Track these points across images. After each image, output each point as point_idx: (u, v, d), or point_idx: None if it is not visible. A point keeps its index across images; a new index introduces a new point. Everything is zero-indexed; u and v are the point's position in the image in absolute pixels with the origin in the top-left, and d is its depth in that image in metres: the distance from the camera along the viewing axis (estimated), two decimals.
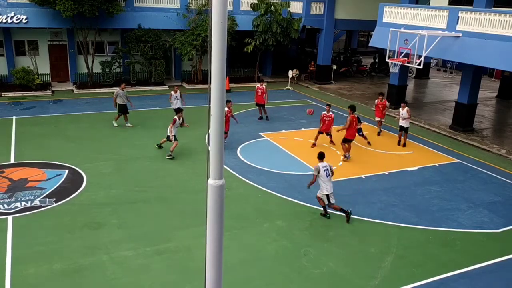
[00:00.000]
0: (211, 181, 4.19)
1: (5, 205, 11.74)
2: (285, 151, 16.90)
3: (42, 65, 25.95)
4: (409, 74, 30.83)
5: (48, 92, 24.59)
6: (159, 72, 26.89)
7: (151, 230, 10.94)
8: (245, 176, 14.40)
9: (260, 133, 18.84)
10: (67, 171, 14.13)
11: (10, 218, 11.16)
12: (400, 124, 18.06)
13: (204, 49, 26.06)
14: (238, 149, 16.77)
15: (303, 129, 19.90)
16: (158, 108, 22.45)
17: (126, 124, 19.09)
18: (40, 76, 25.17)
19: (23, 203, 11.90)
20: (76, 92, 25.15)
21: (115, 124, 19.00)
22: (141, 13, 26.12)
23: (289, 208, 12.42)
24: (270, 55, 31.48)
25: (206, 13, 25.57)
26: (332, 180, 11.72)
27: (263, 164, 15.36)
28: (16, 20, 23.41)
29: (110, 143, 17.00)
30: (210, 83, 3.96)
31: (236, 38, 27.11)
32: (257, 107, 21.31)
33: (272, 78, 31.60)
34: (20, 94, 23.80)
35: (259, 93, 20.67)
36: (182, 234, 10.80)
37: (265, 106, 20.97)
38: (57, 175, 13.78)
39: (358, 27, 35.38)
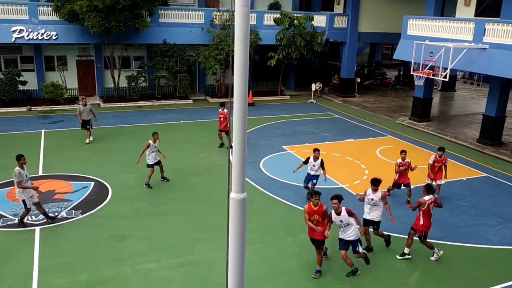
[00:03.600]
0: (233, 195, 4.20)
1: (33, 217, 12.00)
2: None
3: (70, 79, 26.65)
4: (435, 87, 30.38)
5: (76, 106, 25.15)
6: (184, 86, 27.25)
7: (174, 243, 10.99)
8: (268, 189, 14.36)
9: (283, 146, 18.81)
10: (93, 183, 14.38)
11: (37, 229, 11.39)
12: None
13: (227, 63, 26.33)
14: (261, 162, 16.77)
15: (326, 142, 19.78)
16: (182, 121, 22.71)
17: (87, 141, 18.43)
18: (68, 90, 25.83)
19: (50, 214, 12.14)
20: (103, 106, 25.69)
21: (87, 141, 18.42)
22: (166, 28, 26.62)
23: None
24: (293, 68, 31.55)
25: (230, 28, 25.87)
26: (359, 193, 11.54)
27: (286, 178, 15.29)
28: (47, 36, 24.19)
29: (134, 156, 17.17)
30: (231, 96, 3.99)
31: (259, 52, 27.31)
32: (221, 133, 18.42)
33: (295, 91, 31.63)
34: (49, 108, 24.45)
35: (221, 119, 18.06)
36: (205, 247, 10.81)
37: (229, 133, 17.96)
38: (83, 187, 14.04)
39: (382, 40, 35.15)
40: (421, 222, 10.26)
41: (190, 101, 27.47)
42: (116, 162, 16.48)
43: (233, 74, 3.92)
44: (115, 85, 26.40)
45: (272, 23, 28.70)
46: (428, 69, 19.34)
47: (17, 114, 23.27)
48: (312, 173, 13.42)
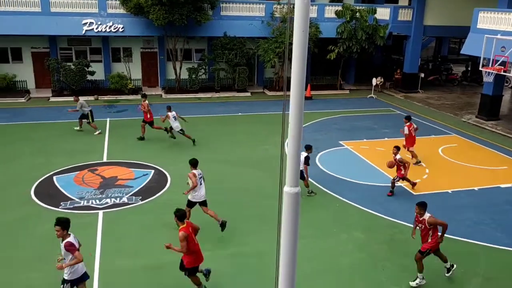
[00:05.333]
0: (286, 189, 4.19)
1: (97, 201, 12.65)
2: (366, 161, 16.45)
3: (134, 71, 27.71)
4: (506, 84, 28.63)
5: (139, 97, 26.13)
6: (242, 78, 27.51)
7: (226, 233, 11.15)
8: (323, 184, 14.22)
9: (340, 142, 18.52)
10: (153, 171, 14.90)
11: (100, 213, 11.99)
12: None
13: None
14: (317, 157, 16.61)
15: (386, 138, 19.25)
16: (240, 114, 22.96)
17: (76, 127, 18.92)
18: (132, 81, 26.87)
19: (112, 199, 12.74)
20: (164, 96, 26.50)
21: (97, 132, 18.75)
22: (227, 21, 26.94)
23: (368, 220, 12.05)
24: (353, 62, 30.89)
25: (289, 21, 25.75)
26: (418, 193, 11.19)
27: (342, 173, 15.07)
28: (114, 29, 25.27)
29: (193, 146, 17.64)
30: (285, 90, 3.97)
31: (319, 45, 26.97)
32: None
33: (355, 86, 30.99)
34: (114, 98, 25.58)
35: (143, 111, 17.93)
36: (256, 239, 10.89)
37: (154, 124, 18.13)
38: (143, 175, 14.58)
39: (449, 34, 33.58)
40: (430, 239, 9.18)
41: (248, 94, 27.68)
42: (175, 151, 16.96)
43: (289, 67, 3.89)
44: (177, 76, 27.12)
45: (333, 15, 28.22)
46: (499, 64, 18.24)
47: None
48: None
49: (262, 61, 27.31)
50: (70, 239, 7.62)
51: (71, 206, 12.30)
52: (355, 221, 11.97)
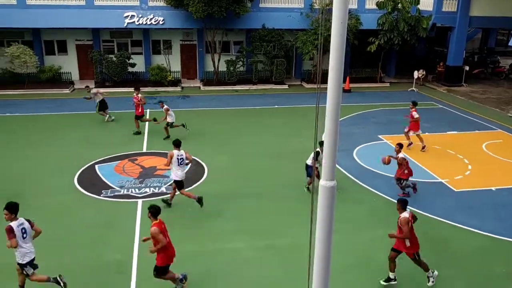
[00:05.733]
0: (322, 182, 4.16)
1: (137, 190, 12.98)
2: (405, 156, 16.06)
3: (174, 63, 28.13)
4: None
5: (178, 88, 26.58)
6: (280, 71, 27.42)
7: (263, 225, 11.22)
8: (360, 179, 14.03)
9: (379, 136, 18.19)
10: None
11: (139, 201, 12.30)
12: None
13: (325, 48, 25.95)
14: (355, 151, 16.39)
15: (426, 133, 18.74)
16: (276, 106, 22.92)
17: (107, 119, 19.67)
18: (172, 73, 27.30)
19: (151, 188, 13.04)
20: (203, 89, 26.79)
21: (111, 118, 19.69)
22: (266, 13, 26.87)
23: None
24: (394, 54, 30.17)
25: (329, 12, 25.44)
26: (460, 189, 10.83)
27: (380, 168, 14.78)
28: (154, 21, 25.72)
29: (230, 138, 17.79)
30: (319, 83, 3.92)
31: (359, 37, 26.50)
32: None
33: (396, 79, 30.29)
34: (154, 90, 26.08)
35: (136, 104, 18.01)
36: (293, 232, 10.89)
37: (142, 118, 18.29)
38: None
39: (497, 25, 32.20)
40: (407, 243, 8.69)
41: (286, 86, 27.58)
42: (213, 143, 17.15)
43: (319, 60, 3.85)
44: (215, 69, 27.34)
45: (374, 7, 27.62)
46: None
47: (126, 94, 25.10)
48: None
49: (300, 53, 27.12)
50: (13, 223, 7.79)
51: (112, 194, 12.68)
52: (393, 217, 11.72)
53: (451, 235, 10.93)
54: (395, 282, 9.02)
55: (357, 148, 16.77)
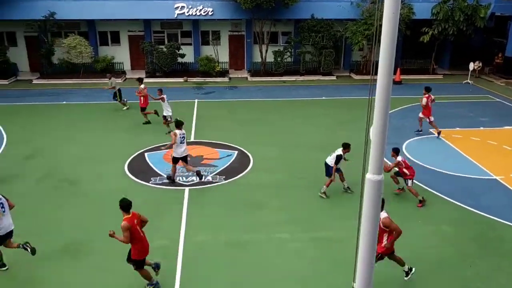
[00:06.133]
0: (369, 176, 4.09)
1: (184, 178, 13.27)
2: (458, 151, 15.49)
3: (222, 53, 28.37)
4: None
5: (226, 79, 26.81)
6: (328, 62, 27.05)
7: (309, 217, 11.17)
8: None
9: (430, 130, 17.59)
10: (236, 152, 15.27)
11: (187, 189, 12.57)
12: None
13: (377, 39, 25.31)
14: (404, 145, 15.95)
15: (481, 128, 17.95)
16: (324, 98, 22.66)
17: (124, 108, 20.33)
18: (220, 64, 27.56)
19: (198, 177, 13.28)
20: (250, 79, 26.89)
21: (125, 108, 20.31)
22: (315, 3, 26.52)
23: (457, 214, 11.38)
24: (449, 45, 28.96)
25: (381, 2, 24.73)
26: None
27: (431, 163, 14.33)
28: (204, 12, 26.03)
29: (277, 129, 17.78)
30: (372, 74, 3.83)
31: (411, 27, 25.64)
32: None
33: (450, 70, 29.12)
34: (202, 80, 26.45)
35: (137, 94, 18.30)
36: (339, 225, 10.77)
37: (144, 111, 18.39)
38: (228, 155, 15.01)
39: None
40: (385, 242, 8.46)
41: (334, 77, 27.19)
42: (259, 133, 17.21)
43: (374, 50, 3.76)
44: (262, 59, 27.34)
45: None
46: None
47: (175, 84, 25.66)
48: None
49: (350, 43, 26.60)
50: None
51: (160, 182, 13.03)
52: (443, 214, 11.36)
53: (507, 234, 10.43)
54: (414, 270, 8.77)
55: (407, 141, 16.31)
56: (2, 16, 25.42)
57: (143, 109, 18.45)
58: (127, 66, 28.82)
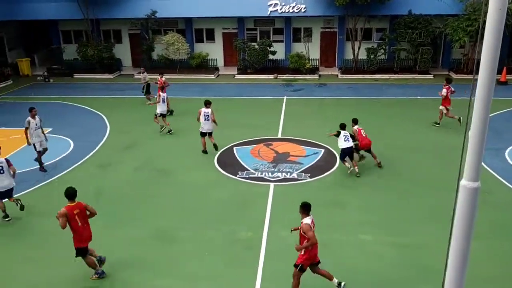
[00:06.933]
0: (464, 182, 3.83)
1: (269, 173, 13.44)
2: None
3: (313, 50, 28.20)
4: None
5: (316, 76, 26.63)
6: (425, 59, 25.75)
7: (393, 219, 10.77)
8: (511, 182, 12.56)
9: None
10: (323, 150, 15.13)
11: (272, 185, 12.72)
12: None
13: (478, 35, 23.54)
14: (507, 151, 14.71)
15: None
16: (418, 97, 21.61)
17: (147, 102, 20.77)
18: (310, 61, 27.42)
19: (283, 174, 13.38)
20: (340, 77, 26.44)
21: (148, 102, 20.69)
22: None
23: None
24: None
25: None
26: None
27: None
28: (297, 9, 26.04)
29: (366, 128, 17.17)
30: (475, 73, 3.57)
31: None
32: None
33: None
34: (292, 77, 26.52)
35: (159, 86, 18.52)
36: (425, 230, 10.25)
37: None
38: (314, 153, 14.92)
39: None
40: (303, 252, 7.77)
41: (430, 76, 25.80)
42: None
43: (477, 48, 3.50)
44: (354, 57, 26.74)
45: None
46: None
47: (265, 81, 26.02)
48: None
49: (450, 40, 25.02)
50: None
51: (247, 176, 13.32)
52: None
53: None
54: (343, 284, 8.09)
55: (510, 147, 15.01)
56: (111, 15, 27.59)
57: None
58: (220, 62, 29.78)
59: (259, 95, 22.20)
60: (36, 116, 13.45)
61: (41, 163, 13.84)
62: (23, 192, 12.31)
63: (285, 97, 22.05)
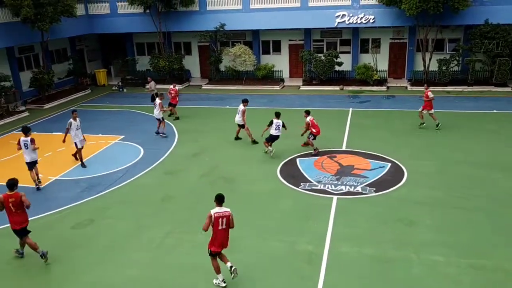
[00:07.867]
0: None
1: (333, 186, 13.22)
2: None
3: (381, 62, 27.54)
4: None
5: (383, 88, 25.96)
6: (503, 71, 24.28)
7: (467, 241, 10.15)
8: None
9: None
10: (389, 164, 14.66)
11: (335, 198, 12.50)
12: None
13: None
14: None
15: None
16: (495, 111, 20.40)
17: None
18: (378, 72, 26.79)
19: (347, 187, 13.11)
20: (410, 89, 25.58)
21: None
22: (490, 7, 24.04)
23: None
24: None
25: None
26: None
27: None
28: (365, 20, 25.62)
29: (436, 141, 16.61)
30: None
31: None
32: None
33: None
34: (358, 88, 26.03)
35: (172, 95, 21.07)
36: (503, 253, 9.58)
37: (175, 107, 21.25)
38: (380, 167, 14.49)
39: None
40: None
41: (509, 89, 24.27)
42: (416, 146, 16.26)
43: None
44: (425, 68, 25.77)
45: None
46: None
47: (331, 92, 25.75)
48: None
49: None
50: (21, 139, 13.52)
51: (309, 188, 13.19)
52: None
53: None
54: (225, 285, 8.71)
55: None
56: (182, 28, 28.72)
57: (173, 105, 21.05)
58: (286, 74, 29.90)
59: (324, 107, 21.98)
60: (77, 118, 15.31)
61: (81, 159, 15.62)
62: (96, 195, 13.06)
63: (350, 109, 21.67)
